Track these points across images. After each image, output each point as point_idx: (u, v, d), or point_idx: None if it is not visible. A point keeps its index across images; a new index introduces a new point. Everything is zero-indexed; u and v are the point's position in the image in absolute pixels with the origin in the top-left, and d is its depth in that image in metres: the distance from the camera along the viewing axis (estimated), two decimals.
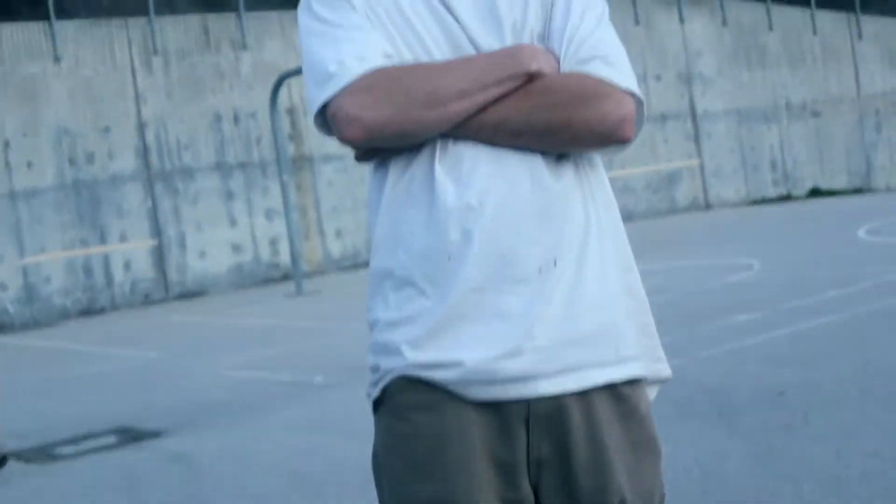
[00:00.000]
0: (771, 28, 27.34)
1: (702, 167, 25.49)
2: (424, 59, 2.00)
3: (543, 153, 1.97)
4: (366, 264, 20.16)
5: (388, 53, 1.98)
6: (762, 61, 27.11)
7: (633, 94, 1.99)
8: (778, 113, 27.20)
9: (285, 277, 19.58)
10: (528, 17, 2.05)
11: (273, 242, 20.15)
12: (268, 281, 19.98)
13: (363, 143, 1.95)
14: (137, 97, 19.10)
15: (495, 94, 1.94)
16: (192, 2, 20.50)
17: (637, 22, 24.88)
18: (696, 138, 25.55)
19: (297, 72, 16.25)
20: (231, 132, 19.98)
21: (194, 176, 19.55)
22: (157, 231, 19.15)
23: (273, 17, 20.71)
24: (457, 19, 2.03)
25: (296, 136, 20.69)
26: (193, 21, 20.02)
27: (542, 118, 1.94)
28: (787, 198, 26.19)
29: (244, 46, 20.22)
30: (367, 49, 1.97)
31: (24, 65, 18.08)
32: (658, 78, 24.96)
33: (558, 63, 2.00)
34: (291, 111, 20.59)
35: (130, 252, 18.86)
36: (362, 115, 1.92)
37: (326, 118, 1.98)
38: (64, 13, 19.23)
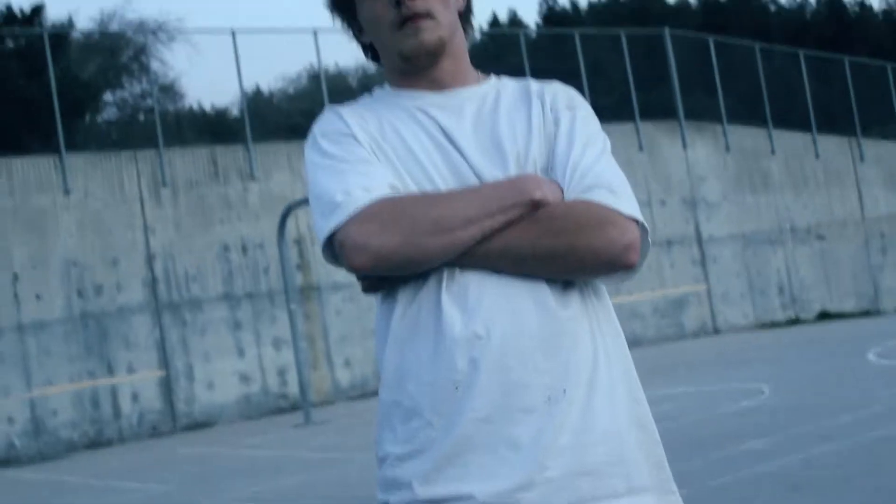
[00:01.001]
0: (773, 152, 27.62)
1: (709, 292, 25.50)
2: (430, 190, 2.03)
3: (549, 281, 1.99)
4: (375, 394, 20.03)
5: (393, 185, 2.01)
6: (766, 185, 27.32)
7: (637, 222, 2.01)
8: (783, 237, 27.31)
9: (294, 408, 19.46)
10: (531, 148, 2.09)
11: (281, 372, 20.08)
12: (276, 411, 19.86)
13: (371, 270, 1.98)
14: (146, 228, 19.24)
15: (501, 221, 1.97)
16: (200, 134, 20.79)
17: (641, 148, 25.15)
18: (703, 263, 25.61)
19: (304, 202, 16.38)
20: (239, 262, 20.07)
21: (202, 306, 19.58)
22: (164, 362, 19.11)
23: (281, 149, 20.96)
24: (461, 152, 2.07)
25: (303, 265, 20.77)
26: (202, 153, 20.26)
27: (547, 245, 1.97)
28: (795, 321, 26.12)
29: (252, 177, 20.43)
30: (373, 181, 2.00)
31: (34, 198, 18.26)
32: (663, 203, 25.13)
33: (562, 192, 2.03)
34: (299, 241, 20.70)
35: (138, 383, 18.79)
36: (370, 242, 1.95)
37: (334, 248, 2.00)
38: (74, 147, 19.49)
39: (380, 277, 2.03)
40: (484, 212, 1.97)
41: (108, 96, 30.48)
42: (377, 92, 2.24)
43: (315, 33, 21.64)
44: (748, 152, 27.22)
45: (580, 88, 23.83)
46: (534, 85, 2.23)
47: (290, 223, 19.39)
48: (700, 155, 26.29)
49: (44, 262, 18.14)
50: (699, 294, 25.36)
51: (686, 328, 25.03)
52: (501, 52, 26.66)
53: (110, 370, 18.58)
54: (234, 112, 26.80)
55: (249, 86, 27.92)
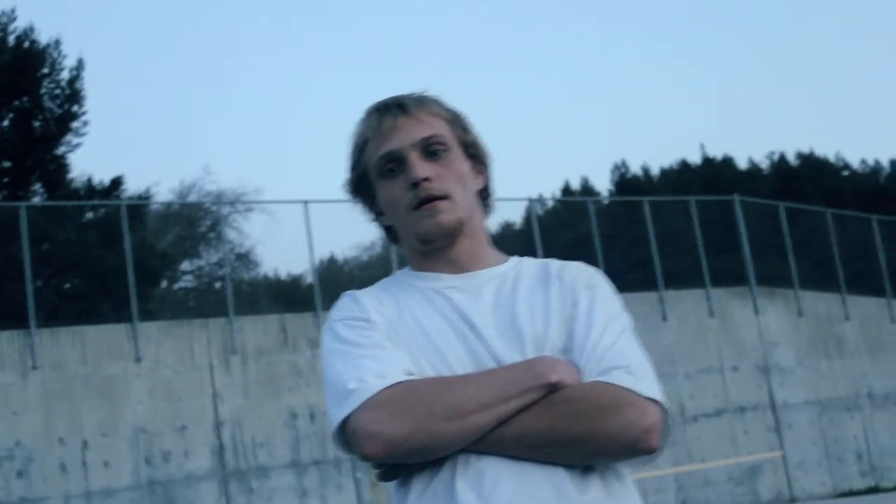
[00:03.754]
0: (847, 318, 27.27)
1: (784, 459, 24.93)
2: (447, 374, 2.02)
3: (568, 466, 1.95)
4: None
5: (409, 371, 2.01)
6: (840, 351, 26.90)
7: (657, 403, 1.98)
8: (860, 402, 26.74)
9: None
10: (549, 331, 2.08)
11: None
12: None
13: (383, 458, 1.94)
14: (215, 395, 19.43)
15: (517, 405, 1.94)
16: (273, 302, 21.11)
17: (712, 314, 25.00)
18: (778, 429, 25.11)
19: None
20: (307, 430, 20.11)
21: (269, 474, 19.58)
22: None
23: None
24: (478, 335, 2.07)
25: None
26: (272, 320, 20.54)
27: (564, 429, 1.93)
28: (874, 490, 25.38)
29: (319, 344, 20.58)
30: (387, 366, 2.00)
31: (105, 365, 18.57)
32: (735, 369, 24.82)
33: (580, 375, 2.00)
34: None
35: None
36: (382, 430, 1.92)
37: (347, 436, 1.98)
38: (147, 315, 19.90)
39: (394, 465, 1.99)
40: (499, 396, 1.93)
41: (185, 265, 31.13)
42: (398, 274, 2.26)
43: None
44: (822, 317, 26.90)
45: (649, 254, 24.04)
46: (554, 265, 2.23)
47: None
48: (772, 320, 26.02)
49: (113, 429, 18.34)
50: (774, 461, 24.80)
51: (761, 496, 24.42)
52: (573, 218, 26.88)
53: None
54: (308, 279, 27.16)
55: (324, 254, 28.43)
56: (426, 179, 2.14)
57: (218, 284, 27.93)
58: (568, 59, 78.15)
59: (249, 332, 20.16)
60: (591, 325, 2.07)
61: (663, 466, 21.14)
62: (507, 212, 24.59)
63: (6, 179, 24.74)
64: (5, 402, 17.23)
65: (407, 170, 2.15)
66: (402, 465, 1.99)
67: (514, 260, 2.27)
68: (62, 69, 25.84)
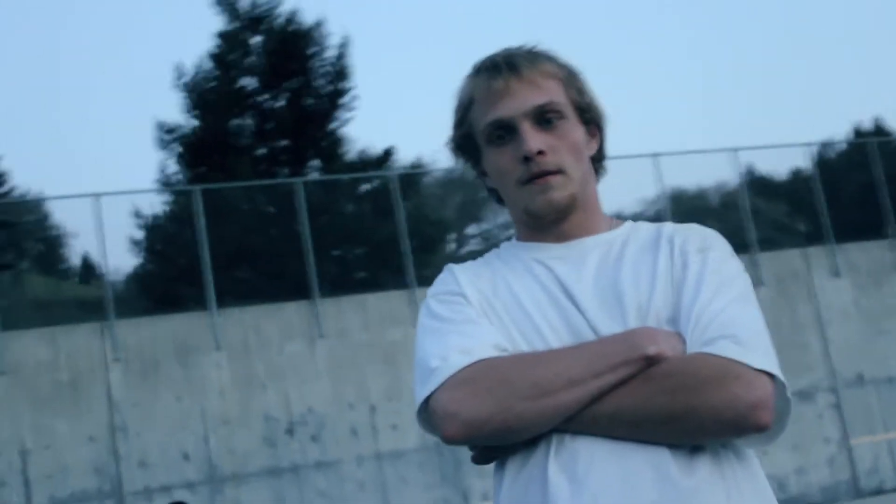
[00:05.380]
0: None
1: None
2: (541, 348, 1.89)
3: (673, 446, 1.79)
4: None
5: (500, 346, 1.89)
6: None
7: (769, 376, 1.80)
8: None
9: None
10: (654, 298, 1.92)
11: None
12: None
13: (464, 440, 1.84)
14: None
15: (610, 381, 1.80)
16: None
17: None
18: None
19: None
20: None
21: None
22: None
23: None
24: (577, 306, 1.93)
25: None
26: None
27: (662, 405, 1.78)
28: None
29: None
30: (475, 342, 1.89)
31: (387, 332, 19.00)
32: None
33: (685, 346, 1.84)
34: None
35: None
36: (461, 410, 1.82)
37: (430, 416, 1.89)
38: (425, 281, 20.18)
39: (490, 447, 1.89)
40: (590, 371, 1.80)
41: (471, 229, 31.67)
42: (503, 245, 2.14)
43: (656, 156, 21.61)
44: None
45: None
46: (667, 228, 2.07)
47: None
48: None
49: (398, 393, 18.76)
50: None
51: None
52: (864, 162, 25.49)
53: (465, 498, 18.84)
54: None
55: (610, 210, 28.18)
56: (540, 153, 1.99)
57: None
58: None
59: None
60: (700, 291, 1.90)
61: None
62: (793, 158, 23.63)
63: (285, 157, 25.68)
64: (295, 370, 17.87)
65: (518, 140, 2.01)
66: (498, 446, 1.88)
67: (628, 225, 2.12)
68: (329, 48, 26.60)
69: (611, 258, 2.01)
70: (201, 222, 17.57)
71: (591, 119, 2.10)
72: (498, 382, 1.81)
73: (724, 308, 1.87)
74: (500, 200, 2.16)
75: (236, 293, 19.18)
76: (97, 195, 17.59)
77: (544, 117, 2.01)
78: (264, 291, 19.03)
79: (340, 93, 26.35)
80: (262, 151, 25.73)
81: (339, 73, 26.36)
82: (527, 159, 1.98)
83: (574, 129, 2.05)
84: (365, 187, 23.71)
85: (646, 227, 2.10)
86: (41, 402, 16.18)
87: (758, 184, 25.37)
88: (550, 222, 2.05)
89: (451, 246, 29.12)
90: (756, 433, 1.79)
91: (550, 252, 2.04)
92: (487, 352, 1.87)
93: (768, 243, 21.77)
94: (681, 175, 22.33)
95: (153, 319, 17.94)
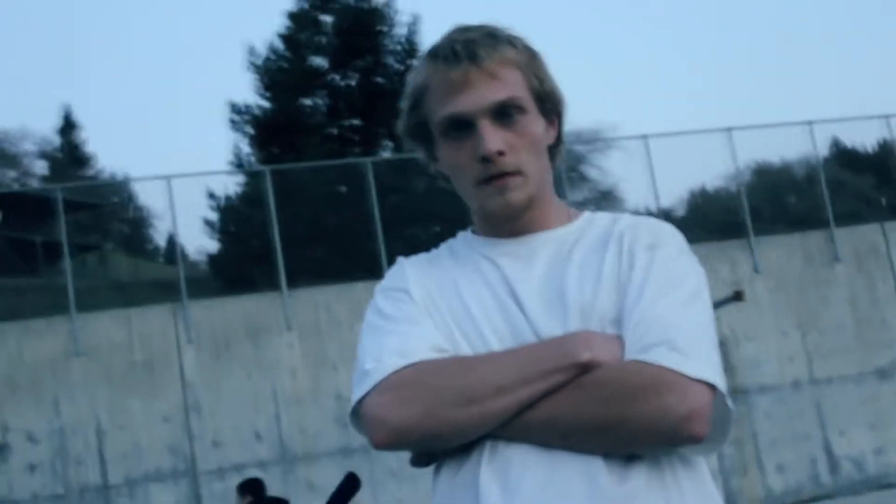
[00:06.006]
0: None
1: None
2: (482, 350, 1.82)
3: (608, 454, 1.72)
4: (812, 500, 19.13)
5: (439, 347, 1.83)
6: None
7: (707, 385, 1.72)
8: None
9: None
10: (598, 299, 1.84)
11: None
12: None
13: (393, 447, 1.79)
14: None
15: (541, 388, 1.74)
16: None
17: None
18: None
19: (726, 301, 16.06)
20: None
21: None
22: None
23: (697, 251, 20.71)
24: (521, 307, 1.86)
25: (728, 367, 20.24)
26: None
27: (593, 415, 1.71)
28: None
29: None
30: (413, 342, 1.83)
31: None
32: None
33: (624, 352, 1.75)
34: (723, 343, 20.21)
35: None
36: (387, 416, 1.77)
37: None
38: None
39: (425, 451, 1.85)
40: (519, 378, 1.73)
41: None
42: (459, 236, 2.07)
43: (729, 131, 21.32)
44: None
45: None
46: (622, 222, 1.98)
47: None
48: None
49: None
50: None
51: None
52: None
53: None
54: (680, 213, 26.89)
55: (695, 185, 27.98)
56: (499, 153, 1.90)
57: None
58: None
59: None
60: (643, 293, 1.81)
61: None
62: (881, 130, 23.16)
63: (356, 137, 25.78)
64: None
65: (476, 139, 1.90)
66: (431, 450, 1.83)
67: (584, 218, 2.03)
68: (399, 25, 26.62)
69: (561, 256, 1.94)
70: (271, 203, 17.67)
71: (550, 108, 2.01)
72: (425, 388, 1.77)
73: (666, 311, 1.79)
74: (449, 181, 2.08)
75: (307, 273, 19.28)
76: (169, 177, 17.76)
77: (504, 112, 1.92)
78: (335, 271, 19.10)
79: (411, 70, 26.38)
80: (332, 131, 25.85)
81: (410, 50, 26.40)
82: (485, 159, 1.90)
83: (534, 123, 1.96)
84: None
85: (601, 221, 2.01)
86: (117, 382, 16.43)
87: (844, 156, 24.96)
88: (504, 219, 1.98)
89: None
90: (690, 444, 1.73)
91: (501, 248, 1.97)
92: (424, 353, 1.81)
93: (849, 218, 21.39)
94: (757, 149, 21.97)
95: (225, 300, 18.12)
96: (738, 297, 15.95)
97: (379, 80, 26.10)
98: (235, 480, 11.62)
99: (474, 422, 1.74)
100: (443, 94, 1.93)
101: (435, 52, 1.97)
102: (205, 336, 17.00)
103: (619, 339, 1.79)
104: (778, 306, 20.31)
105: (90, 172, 58.39)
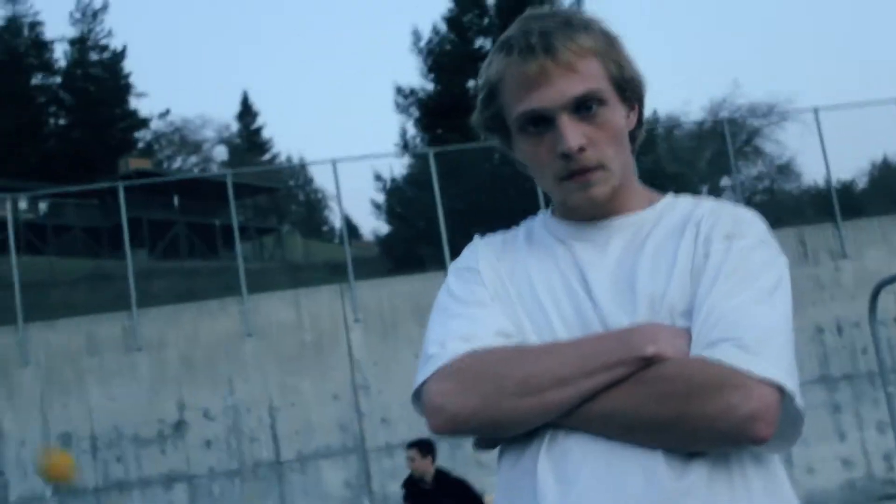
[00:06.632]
0: None
1: None
2: (549, 340, 1.79)
3: (668, 448, 1.68)
4: None
5: (505, 332, 1.81)
6: None
7: (773, 385, 1.69)
8: None
9: None
10: (669, 289, 1.80)
11: (887, 457, 19.02)
12: (884, 497, 18.81)
13: (449, 434, 1.77)
14: None
15: (603, 381, 1.71)
16: (782, 217, 20.45)
17: None
18: None
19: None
20: (834, 343, 19.39)
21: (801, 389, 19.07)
22: None
23: (873, 224, 20.13)
24: (590, 296, 1.83)
25: None
26: (789, 235, 19.93)
27: (653, 411, 1.68)
28: None
29: (843, 255, 19.74)
30: (478, 327, 1.81)
31: None
32: None
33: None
34: None
35: None
36: (446, 404, 1.76)
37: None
38: None
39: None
40: (581, 370, 1.70)
41: (724, 181, 31.20)
42: (539, 216, 2.04)
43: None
44: None
45: None
46: (702, 208, 1.92)
47: (889, 301, 18.48)
48: None
49: None
50: None
51: None
52: None
53: None
54: (860, 185, 26.14)
55: (877, 156, 27.20)
56: (580, 149, 1.84)
57: (757, 198, 27.56)
58: None
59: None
60: (715, 285, 1.75)
61: None
62: None
63: None
64: None
65: (557, 135, 1.85)
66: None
67: (666, 201, 1.96)
68: (563, 3, 26.47)
69: (636, 242, 1.89)
70: (435, 185, 17.84)
71: (631, 94, 1.95)
72: (485, 377, 1.75)
73: (737, 306, 1.73)
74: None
75: None
76: (335, 161, 18.11)
77: (584, 105, 1.86)
78: None
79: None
80: None
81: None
82: (566, 156, 1.85)
83: (615, 114, 1.90)
84: None
85: (681, 206, 1.95)
86: (287, 361, 16.86)
87: None
88: (588, 212, 1.95)
89: None
90: (754, 445, 1.70)
91: (577, 233, 1.94)
92: (489, 339, 1.80)
93: None
94: None
95: (391, 280, 18.38)
96: None
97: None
98: (404, 457, 11.78)
99: (534, 412, 1.72)
100: (519, 88, 1.88)
101: (509, 44, 1.90)
102: (372, 316, 17.29)
103: (687, 333, 1.75)
104: None
105: (267, 157, 59.88)
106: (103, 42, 51.07)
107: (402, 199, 23.39)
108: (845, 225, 19.94)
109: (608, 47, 1.90)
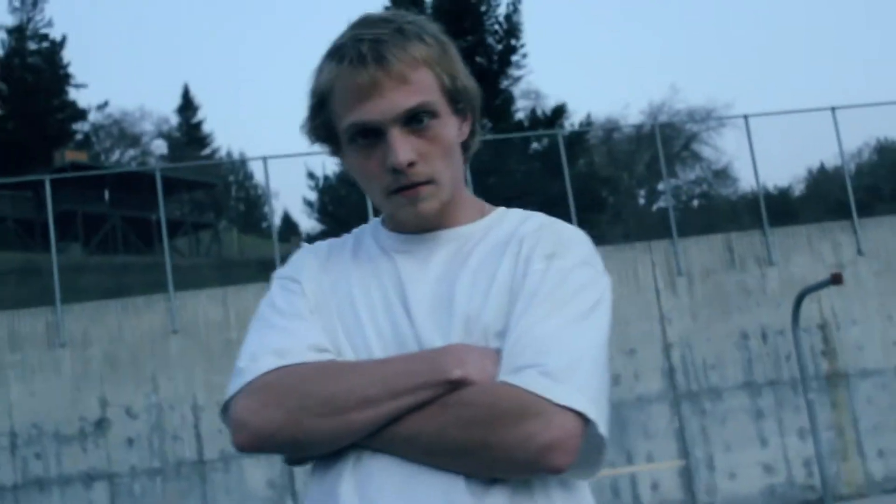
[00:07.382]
0: None
1: None
2: (364, 356, 1.76)
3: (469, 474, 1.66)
4: None
5: (320, 347, 1.78)
6: None
7: (575, 413, 1.65)
8: None
9: (821, 501, 18.56)
10: (486, 309, 1.77)
11: (807, 463, 19.26)
12: (802, 503, 19.06)
13: (254, 450, 1.74)
14: (662, 319, 19.32)
15: (408, 403, 1.68)
16: (714, 222, 20.63)
17: None
18: None
19: (823, 285, 15.79)
20: (759, 350, 19.59)
21: (721, 395, 19.28)
22: (684, 452, 18.97)
23: (800, 232, 20.36)
24: (408, 312, 1.79)
25: (828, 351, 19.89)
26: (717, 241, 20.11)
27: (455, 437, 1.65)
28: None
29: (770, 262, 19.96)
30: (293, 341, 1.78)
31: None
32: None
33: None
34: (823, 326, 19.88)
35: (657, 473, 18.78)
36: (250, 420, 1.72)
37: None
38: (595, 240, 20.03)
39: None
40: (386, 391, 1.67)
41: (662, 185, 31.50)
42: (371, 224, 1.99)
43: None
44: None
45: None
46: (526, 226, 1.87)
47: (813, 309, 18.70)
48: None
49: None
50: None
51: None
52: None
53: (629, 459, 18.73)
54: (797, 192, 26.31)
55: (813, 164, 27.44)
56: (410, 164, 1.80)
57: (695, 202, 27.63)
58: None
59: (694, 254, 19.85)
60: (529, 307, 1.72)
61: None
62: None
63: None
64: None
65: (387, 148, 1.80)
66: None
67: (497, 214, 1.93)
68: (499, 5, 26.56)
69: (459, 257, 1.85)
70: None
71: (463, 105, 1.90)
72: (289, 394, 1.71)
73: (548, 330, 1.70)
74: None
75: None
76: (265, 158, 18.08)
77: (415, 118, 1.80)
78: None
79: (511, 50, 26.33)
80: None
81: (510, 30, 26.34)
82: (395, 170, 1.79)
83: (446, 127, 1.85)
84: (535, 146, 23.64)
85: (510, 220, 1.91)
86: (213, 360, 16.77)
87: None
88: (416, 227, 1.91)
89: (641, 202, 28.84)
90: (551, 474, 1.67)
91: (401, 244, 1.90)
92: (302, 353, 1.76)
93: None
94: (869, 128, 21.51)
95: None
96: (835, 280, 15.59)
97: (480, 60, 26.10)
98: None
99: (337, 432, 1.69)
100: (349, 99, 1.80)
101: (340, 52, 1.82)
102: None
103: (499, 356, 1.71)
104: (883, 289, 19.91)
105: (206, 152, 59.48)
106: (42, 31, 50.41)
107: (334, 197, 23.35)
108: (774, 232, 20.14)
109: (441, 57, 1.85)
